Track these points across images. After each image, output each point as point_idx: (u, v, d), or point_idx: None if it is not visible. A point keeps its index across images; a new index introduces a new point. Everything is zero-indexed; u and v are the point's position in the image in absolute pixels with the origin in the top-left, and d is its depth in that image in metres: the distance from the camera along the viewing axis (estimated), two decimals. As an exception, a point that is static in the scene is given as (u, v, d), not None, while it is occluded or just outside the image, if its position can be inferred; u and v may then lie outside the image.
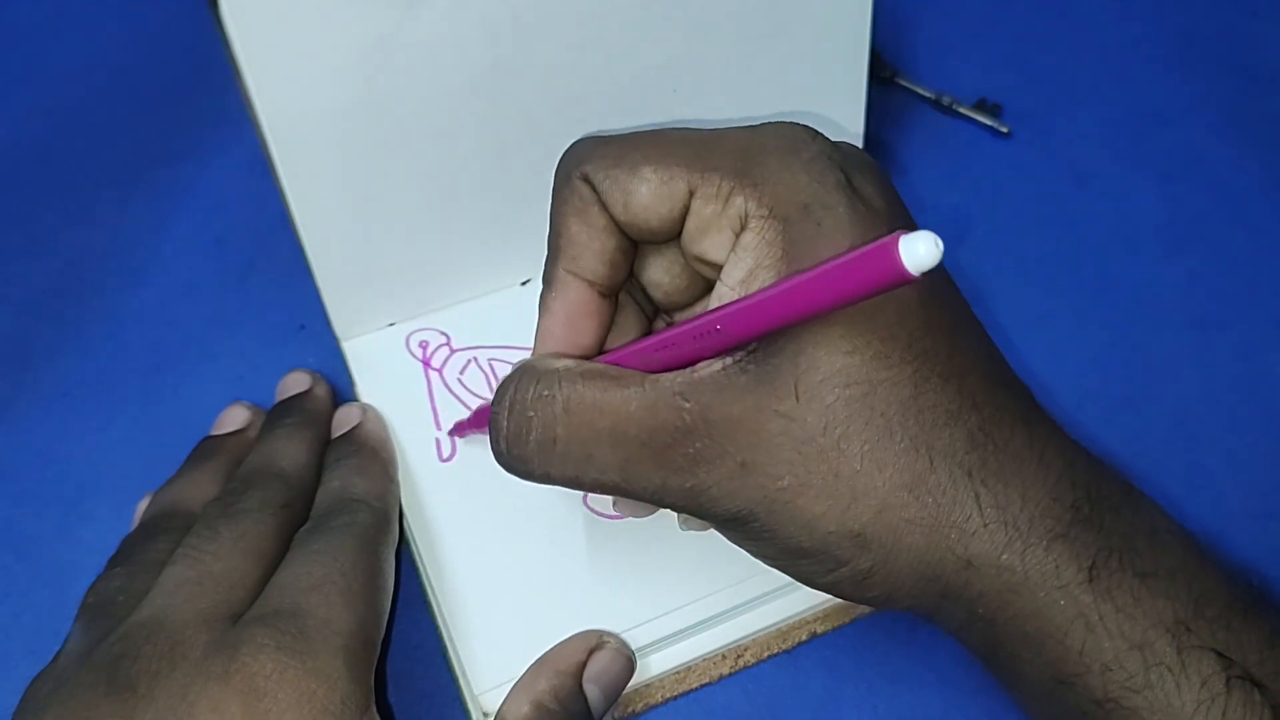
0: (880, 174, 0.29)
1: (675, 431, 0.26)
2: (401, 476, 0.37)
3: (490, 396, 0.38)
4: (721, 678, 0.35)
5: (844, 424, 0.25)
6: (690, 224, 0.28)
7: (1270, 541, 0.38)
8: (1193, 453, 0.40)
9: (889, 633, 0.36)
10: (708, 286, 0.31)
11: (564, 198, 0.30)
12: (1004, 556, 0.26)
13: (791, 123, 0.29)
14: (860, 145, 0.44)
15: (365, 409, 0.37)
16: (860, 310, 0.25)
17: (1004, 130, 0.48)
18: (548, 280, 0.31)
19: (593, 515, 0.36)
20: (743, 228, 0.27)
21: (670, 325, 0.33)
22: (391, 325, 0.40)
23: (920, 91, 0.49)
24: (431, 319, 0.40)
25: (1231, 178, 0.47)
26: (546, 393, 0.28)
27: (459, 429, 0.37)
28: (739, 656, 0.35)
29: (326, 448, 0.37)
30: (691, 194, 0.28)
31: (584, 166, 0.29)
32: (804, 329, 0.26)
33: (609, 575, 0.35)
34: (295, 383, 0.38)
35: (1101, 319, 0.43)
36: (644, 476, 0.27)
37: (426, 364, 0.39)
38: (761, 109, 0.41)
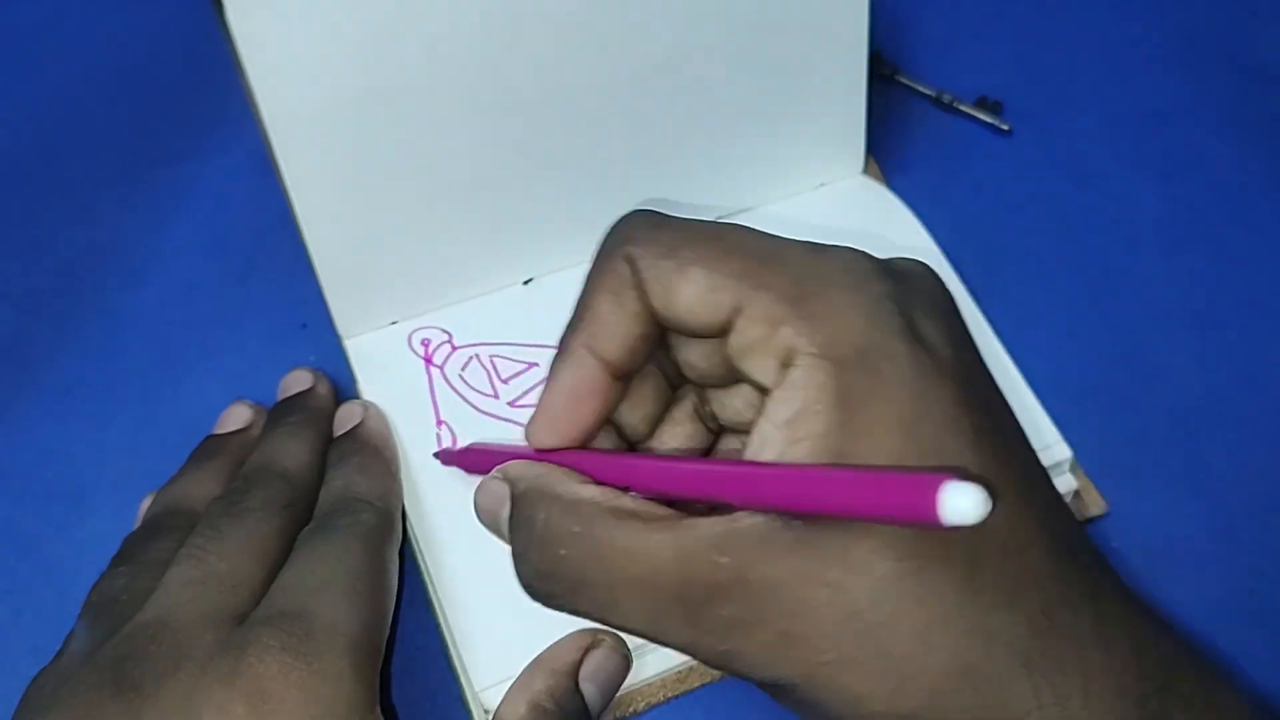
0: (946, 311, 0.27)
1: (710, 589, 0.24)
2: (403, 474, 0.37)
3: (492, 393, 0.39)
4: (724, 677, 0.35)
5: (895, 600, 0.23)
6: (734, 340, 0.27)
7: (1270, 541, 0.38)
8: (1193, 453, 0.40)
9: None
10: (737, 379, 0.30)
11: (602, 271, 0.28)
12: None
13: (855, 252, 0.27)
14: (861, 143, 0.44)
15: (367, 406, 0.37)
16: None
17: (1005, 128, 0.48)
18: (562, 349, 0.29)
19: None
20: (790, 360, 0.25)
21: (704, 457, 0.31)
22: (394, 323, 0.40)
23: (920, 89, 0.49)
24: (434, 317, 0.40)
25: (1232, 176, 0.47)
26: (579, 529, 0.26)
27: (446, 457, 0.36)
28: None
29: (329, 446, 0.37)
30: (738, 310, 0.26)
31: (630, 247, 0.28)
32: None
33: None
34: (297, 381, 0.38)
35: (1101, 318, 0.43)
36: (674, 631, 0.25)
37: (428, 361, 0.39)
38: (761, 108, 0.41)
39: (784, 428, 0.25)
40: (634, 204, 0.41)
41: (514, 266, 0.41)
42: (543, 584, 0.27)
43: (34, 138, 0.48)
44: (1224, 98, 0.50)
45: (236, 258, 0.44)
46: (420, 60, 0.35)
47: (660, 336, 0.29)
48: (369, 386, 0.39)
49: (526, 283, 0.41)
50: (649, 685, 0.35)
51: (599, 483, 0.28)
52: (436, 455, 0.37)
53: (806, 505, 0.23)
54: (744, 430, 0.30)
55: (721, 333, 0.27)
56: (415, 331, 0.40)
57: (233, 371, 0.41)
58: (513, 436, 0.37)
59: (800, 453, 0.24)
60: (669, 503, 0.27)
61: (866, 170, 0.45)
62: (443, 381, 0.39)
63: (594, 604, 0.27)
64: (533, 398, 0.38)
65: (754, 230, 0.28)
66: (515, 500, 0.28)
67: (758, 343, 0.26)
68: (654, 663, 0.34)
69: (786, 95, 0.41)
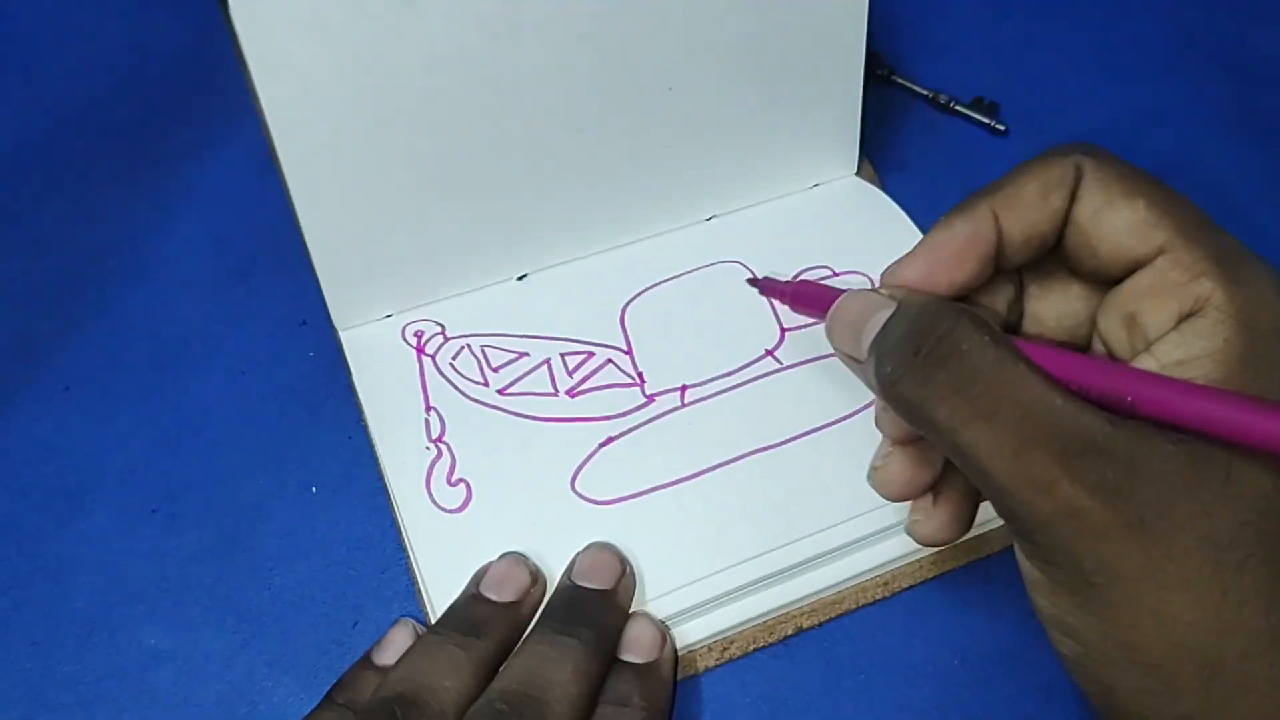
0: None
1: (1093, 446, 0.24)
2: (391, 459, 0.37)
3: (482, 381, 0.39)
4: (707, 669, 0.35)
5: (1251, 550, 0.24)
6: (1141, 279, 0.27)
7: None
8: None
9: (884, 626, 0.36)
10: (1082, 349, 0.30)
11: (1045, 163, 0.29)
12: None
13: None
14: (855, 145, 0.44)
15: (667, 634, 0.33)
16: None
17: (1001, 129, 0.49)
18: (966, 205, 0.29)
19: (580, 500, 0.36)
20: (1195, 312, 0.26)
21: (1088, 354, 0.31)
22: (389, 316, 0.40)
23: (917, 89, 0.50)
24: (428, 310, 0.40)
25: (1227, 176, 0.48)
26: (985, 340, 0.25)
27: (768, 285, 0.37)
28: (725, 649, 0.35)
29: (609, 671, 0.32)
30: (1160, 252, 0.27)
31: (1088, 158, 0.28)
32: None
33: None
34: (602, 567, 0.33)
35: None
36: (1034, 466, 0.24)
37: (420, 350, 0.40)
38: (756, 109, 0.41)
39: (1175, 366, 0.26)
40: (628, 202, 0.41)
41: (509, 262, 0.41)
42: (922, 372, 0.26)
43: (37, 137, 0.49)
44: (1219, 99, 0.50)
45: (237, 256, 0.45)
46: (420, 59, 0.35)
47: (1051, 251, 0.29)
48: (362, 377, 0.39)
49: (521, 278, 0.41)
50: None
51: None
52: (752, 282, 0.38)
53: (1221, 429, 0.24)
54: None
55: (1119, 274, 0.28)
56: (409, 324, 0.40)
57: (233, 367, 0.42)
58: (502, 424, 0.38)
59: None
60: None
61: (860, 172, 0.45)
62: (433, 369, 0.39)
63: (962, 412, 0.25)
64: (524, 385, 0.39)
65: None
66: (906, 311, 0.27)
67: (1168, 286, 0.27)
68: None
69: (781, 97, 0.41)
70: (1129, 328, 0.28)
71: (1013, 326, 0.31)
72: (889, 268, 0.30)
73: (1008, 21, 0.53)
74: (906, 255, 0.30)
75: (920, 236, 0.42)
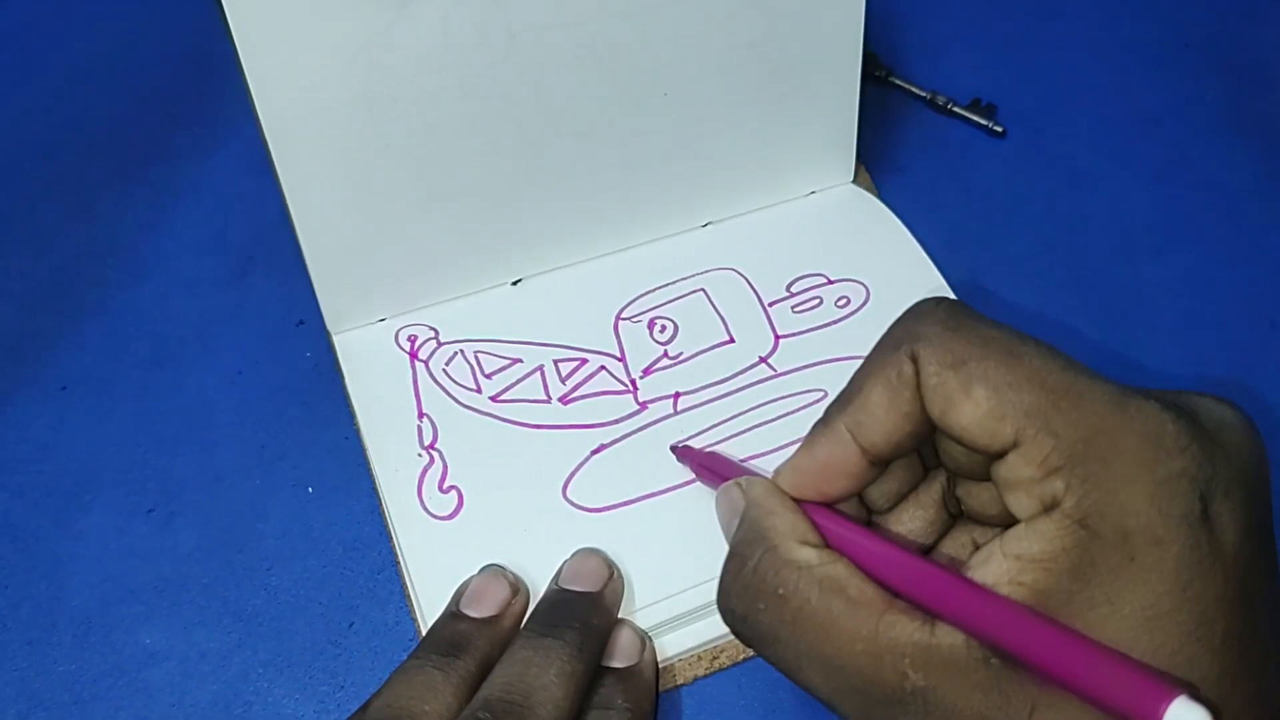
0: (1250, 487, 0.24)
1: (890, 695, 0.25)
2: (383, 465, 0.37)
3: (475, 388, 0.39)
4: (698, 678, 0.35)
5: None
6: (1001, 469, 0.25)
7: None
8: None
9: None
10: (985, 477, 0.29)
11: (883, 363, 0.27)
12: None
13: (1164, 413, 0.24)
14: (852, 153, 0.44)
15: (646, 641, 0.33)
16: None
17: (998, 130, 0.49)
18: (825, 421, 0.28)
19: (572, 508, 0.36)
20: (1051, 508, 0.24)
21: (929, 559, 0.30)
22: (382, 320, 0.40)
23: (915, 91, 0.50)
24: (422, 315, 0.41)
25: (1224, 177, 0.48)
26: (782, 591, 0.26)
27: (684, 454, 0.37)
28: (714, 659, 0.35)
29: (596, 678, 0.32)
30: (1015, 445, 0.25)
31: (919, 346, 0.26)
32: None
33: None
34: (589, 571, 0.33)
35: (1094, 318, 0.44)
36: (847, 707, 0.26)
37: (413, 356, 0.40)
38: (753, 116, 0.41)
39: (1013, 560, 0.24)
40: (623, 207, 0.41)
41: (503, 266, 0.41)
42: (737, 624, 0.28)
43: (35, 136, 0.48)
44: (1216, 100, 0.50)
45: (235, 255, 0.45)
46: (416, 65, 0.35)
47: (931, 432, 0.28)
48: (355, 382, 0.39)
49: (515, 283, 0.42)
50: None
51: (821, 536, 0.28)
52: (673, 449, 0.37)
53: (1026, 653, 0.23)
54: (985, 522, 0.30)
55: (992, 455, 0.26)
56: (403, 328, 0.40)
57: (230, 368, 0.42)
58: (494, 431, 0.38)
59: (1018, 594, 0.24)
60: None
61: (857, 179, 0.45)
62: (426, 376, 0.39)
63: (779, 660, 0.27)
64: (516, 392, 0.39)
65: (1056, 355, 0.26)
66: (740, 523, 0.29)
67: (1023, 482, 0.25)
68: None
69: (778, 104, 0.41)
70: (1000, 503, 0.27)
71: (928, 460, 0.31)
72: (775, 475, 0.30)
73: (1006, 22, 0.53)
74: (783, 472, 0.29)
75: (915, 244, 0.43)
